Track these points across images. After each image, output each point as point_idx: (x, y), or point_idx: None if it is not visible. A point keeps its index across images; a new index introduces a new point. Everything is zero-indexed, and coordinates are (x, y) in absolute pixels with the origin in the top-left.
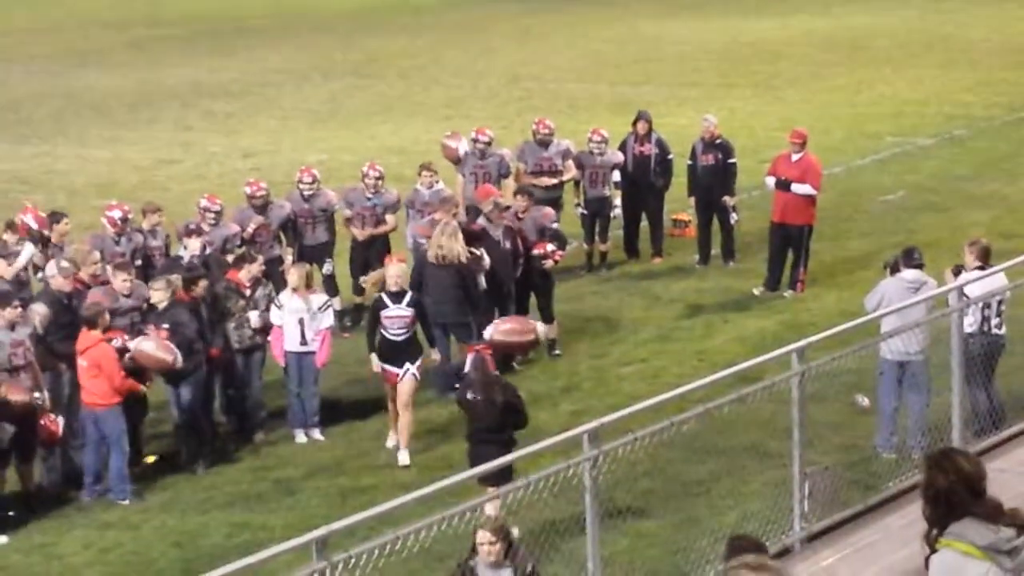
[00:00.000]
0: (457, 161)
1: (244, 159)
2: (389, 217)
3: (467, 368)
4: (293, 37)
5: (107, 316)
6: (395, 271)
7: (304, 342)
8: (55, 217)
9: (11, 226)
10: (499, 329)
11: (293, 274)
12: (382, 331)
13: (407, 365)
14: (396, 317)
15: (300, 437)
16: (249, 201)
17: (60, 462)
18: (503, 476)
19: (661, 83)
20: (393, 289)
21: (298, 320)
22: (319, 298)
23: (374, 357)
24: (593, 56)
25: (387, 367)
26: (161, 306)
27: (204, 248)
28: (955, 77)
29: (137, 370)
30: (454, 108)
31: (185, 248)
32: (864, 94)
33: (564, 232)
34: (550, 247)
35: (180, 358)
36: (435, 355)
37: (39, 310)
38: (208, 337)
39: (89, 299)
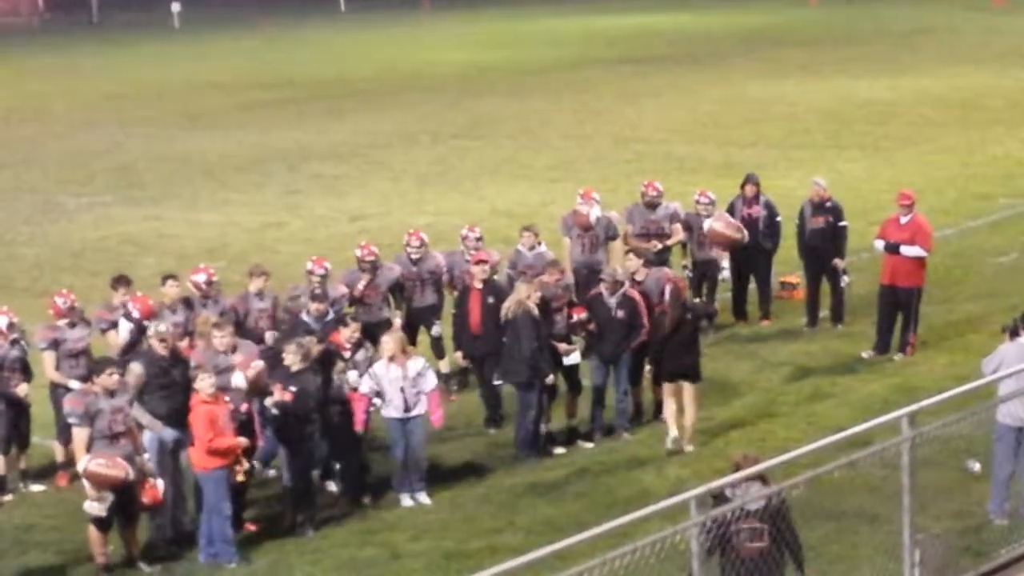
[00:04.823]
0: (588, 228)
1: (352, 222)
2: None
3: (666, 296)
4: (402, 100)
5: (204, 378)
6: None
7: (408, 408)
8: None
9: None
10: (720, 218)
11: (388, 343)
12: None
13: None
14: None
15: (406, 501)
16: (359, 263)
17: (170, 522)
18: (696, 375)
19: (770, 145)
20: None
21: (399, 388)
22: (416, 363)
23: None
24: (702, 117)
25: None
26: (293, 368)
27: (327, 313)
28: None
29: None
30: (562, 170)
31: (308, 313)
32: (976, 155)
33: None
34: None
35: (132, 472)
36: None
37: (135, 369)
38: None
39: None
